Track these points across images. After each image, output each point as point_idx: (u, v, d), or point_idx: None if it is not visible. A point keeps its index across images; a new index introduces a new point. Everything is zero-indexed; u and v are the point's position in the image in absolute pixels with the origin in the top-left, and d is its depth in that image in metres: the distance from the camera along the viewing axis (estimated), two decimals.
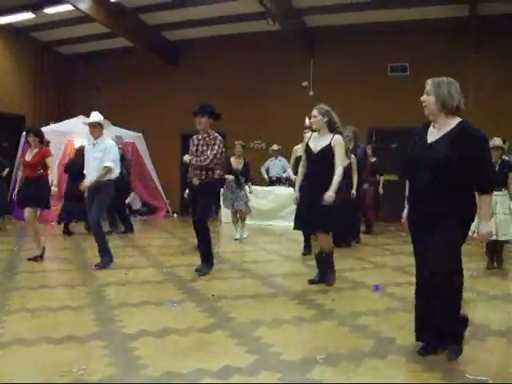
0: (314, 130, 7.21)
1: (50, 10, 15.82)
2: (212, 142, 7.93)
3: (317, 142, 7.02)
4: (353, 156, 10.22)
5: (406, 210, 4.72)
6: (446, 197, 4.19)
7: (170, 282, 7.51)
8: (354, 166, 10.31)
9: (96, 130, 8.48)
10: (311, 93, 16.32)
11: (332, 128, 7.03)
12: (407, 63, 15.03)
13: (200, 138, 8.06)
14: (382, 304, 6.27)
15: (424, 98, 4.34)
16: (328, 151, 6.89)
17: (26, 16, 16.33)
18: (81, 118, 14.90)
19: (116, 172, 8.50)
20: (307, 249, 9.47)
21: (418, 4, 14.13)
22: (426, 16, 14.54)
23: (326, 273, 7.27)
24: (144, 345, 4.72)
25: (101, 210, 8.46)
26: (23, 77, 18.61)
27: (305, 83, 16.37)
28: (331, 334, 5.16)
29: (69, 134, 14.56)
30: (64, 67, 20.21)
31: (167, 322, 5.42)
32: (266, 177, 14.91)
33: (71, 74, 20.43)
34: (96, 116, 8.54)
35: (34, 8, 15.83)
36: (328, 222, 6.96)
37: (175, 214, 17.48)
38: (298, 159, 9.73)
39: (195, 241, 8.73)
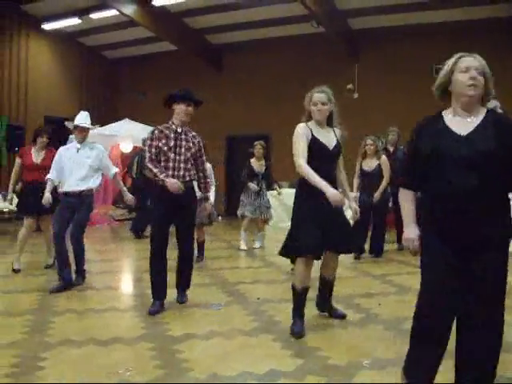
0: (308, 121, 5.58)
1: (96, 16, 16.07)
2: (196, 141, 6.36)
3: (325, 136, 5.44)
4: (384, 157, 9.81)
5: (416, 230, 3.55)
6: (497, 208, 3.30)
7: (215, 284, 7.55)
8: (386, 168, 9.66)
9: (86, 133, 7.54)
10: (356, 95, 16.23)
11: (331, 120, 5.58)
12: None
13: (180, 131, 6.22)
14: None
15: (475, 74, 3.31)
16: (339, 149, 5.51)
17: (73, 22, 16.64)
18: (126, 121, 15.10)
19: (99, 181, 7.59)
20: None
21: (462, 4, 13.96)
22: (471, 16, 14.32)
23: (329, 301, 5.86)
24: (190, 347, 4.74)
25: (84, 225, 7.46)
26: (69, 81, 18.97)
27: (350, 86, 16.28)
28: (377, 339, 5.10)
29: (114, 137, 14.71)
30: (109, 71, 20.53)
31: (212, 325, 5.44)
32: None
33: (116, 77, 20.74)
34: (88, 118, 7.57)
35: (81, 14, 16.12)
36: (353, 240, 5.74)
37: (219, 217, 17.55)
38: None
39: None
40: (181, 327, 5.37)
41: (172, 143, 6.13)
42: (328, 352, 4.65)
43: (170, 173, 6.06)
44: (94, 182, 7.43)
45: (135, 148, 14.61)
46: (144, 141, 12.86)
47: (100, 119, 18.29)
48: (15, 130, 15.59)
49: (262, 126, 16.90)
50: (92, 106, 19.24)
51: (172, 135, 6.16)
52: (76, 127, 7.45)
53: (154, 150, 6.10)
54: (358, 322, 5.68)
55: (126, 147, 14.81)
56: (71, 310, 6.02)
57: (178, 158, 6.14)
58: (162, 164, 6.09)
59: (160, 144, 6.09)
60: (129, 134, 14.52)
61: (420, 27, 15.14)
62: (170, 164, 6.10)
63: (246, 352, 4.69)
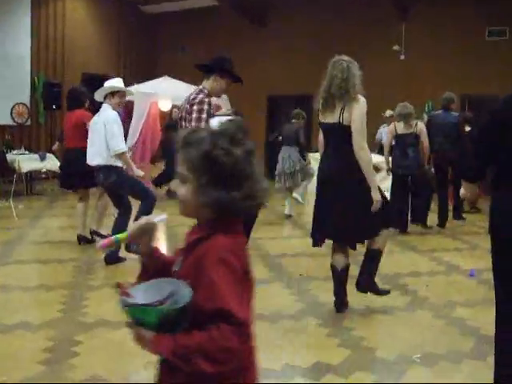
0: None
1: None
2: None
3: None
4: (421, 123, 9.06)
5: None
6: None
7: (257, 257, 7.16)
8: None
9: None
10: (402, 57, 15.60)
11: None
12: (507, 27, 14.17)
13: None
14: (478, 293, 5.86)
15: None
16: None
17: None
18: (165, 79, 14.86)
19: None
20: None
21: None
22: None
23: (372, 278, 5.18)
24: None
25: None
26: (107, 36, 18.64)
27: (396, 47, 15.65)
28: (427, 329, 4.84)
29: (153, 94, 14.45)
30: (148, 26, 20.13)
31: (255, 306, 5.18)
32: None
33: (155, 33, 20.36)
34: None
35: None
36: None
37: None
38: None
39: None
40: None
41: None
42: (375, 343, 4.45)
43: None
44: None
45: (174, 106, 14.37)
46: None
47: (138, 75, 18.15)
48: (52, 87, 15.36)
49: (304, 85, 16.44)
50: (130, 62, 19.06)
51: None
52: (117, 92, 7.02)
53: None
54: (406, 307, 5.41)
55: (165, 105, 14.59)
56: (108, 283, 5.79)
57: None
58: None
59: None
60: (167, 92, 14.27)
61: None
62: None
63: (291, 339, 4.49)
